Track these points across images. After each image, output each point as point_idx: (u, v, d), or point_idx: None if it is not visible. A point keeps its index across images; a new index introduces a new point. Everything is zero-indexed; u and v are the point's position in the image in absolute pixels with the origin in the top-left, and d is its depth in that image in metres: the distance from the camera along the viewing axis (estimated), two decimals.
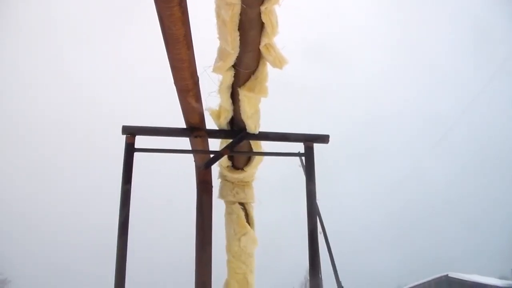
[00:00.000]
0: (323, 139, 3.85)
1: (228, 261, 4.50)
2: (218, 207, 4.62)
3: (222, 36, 2.90)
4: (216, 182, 4.65)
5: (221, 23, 2.79)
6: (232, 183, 4.50)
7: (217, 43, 3.06)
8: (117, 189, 3.44)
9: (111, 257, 3.30)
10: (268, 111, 3.79)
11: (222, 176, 4.57)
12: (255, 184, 4.63)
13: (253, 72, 3.29)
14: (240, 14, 2.69)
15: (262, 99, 3.53)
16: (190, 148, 4.03)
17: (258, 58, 3.17)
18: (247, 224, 4.44)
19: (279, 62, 3.10)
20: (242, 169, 4.36)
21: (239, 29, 2.79)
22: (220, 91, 3.49)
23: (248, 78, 3.32)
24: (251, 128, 3.71)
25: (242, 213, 4.44)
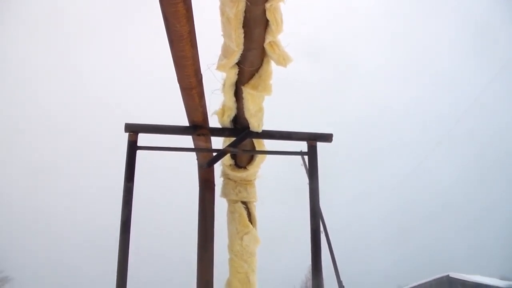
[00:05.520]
0: (327, 138, 3.83)
1: (230, 260, 4.49)
2: (221, 205, 4.61)
3: (226, 33, 2.87)
4: (218, 180, 4.63)
5: (226, 20, 2.77)
6: (235, 181, 4.49)
7: (221, 41, 3.04)
8: (119, 187, 3.42)
9: (113, 255, 3.29)
10: (270, 109, 3.77)
11: (224, 175, 4.55)
12: (257, 183, 4.61)
13: (257, 70, 3.26)
14: (245, 11, 2.67)
15: (266, 97, 3.51)
16: (193, 146, 4.01)
17: (262, 56, 3.15)
18: (250, 223, 4.43)
19: (283, 60, 3.08)
20: (244, 167, 4.34)
21: (243, 27, 2.76)
22: (223, 89, 3.47)
23: (252, 76, 3.29)
24: (254, 126, 3.69)
25: (245, 212, 4.43)
